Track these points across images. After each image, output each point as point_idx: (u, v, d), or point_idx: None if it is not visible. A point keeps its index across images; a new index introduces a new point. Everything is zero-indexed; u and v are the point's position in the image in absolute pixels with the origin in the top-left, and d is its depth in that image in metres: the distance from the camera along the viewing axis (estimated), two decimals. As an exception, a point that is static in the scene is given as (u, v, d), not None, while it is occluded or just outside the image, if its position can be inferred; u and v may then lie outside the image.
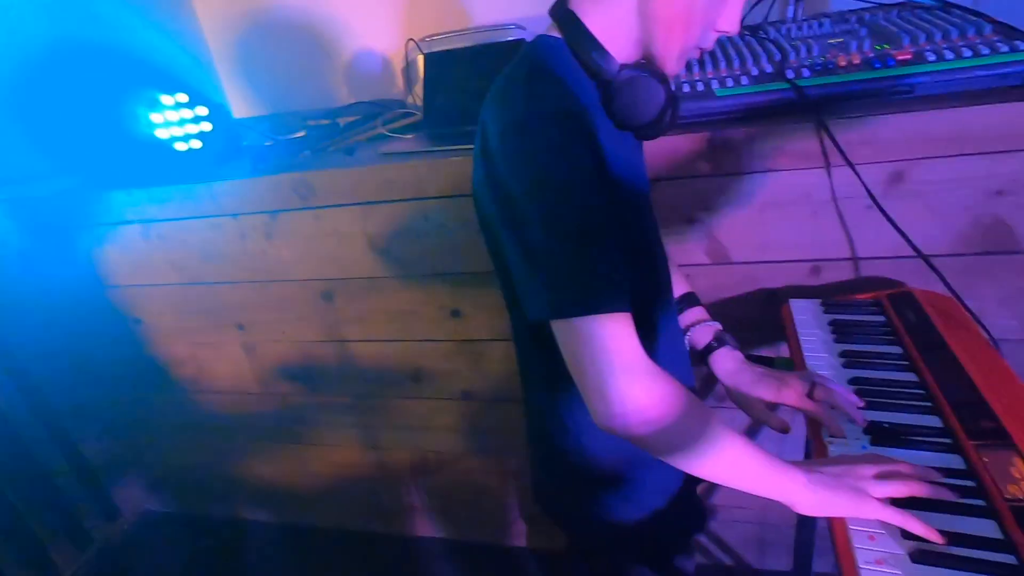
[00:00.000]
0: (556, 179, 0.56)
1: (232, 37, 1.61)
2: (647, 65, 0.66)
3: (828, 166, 1.01)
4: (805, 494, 0.61)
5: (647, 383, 0.55)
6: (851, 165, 0.99)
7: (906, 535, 0.58)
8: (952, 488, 0.62)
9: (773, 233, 1.09)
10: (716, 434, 0.60)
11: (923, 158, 0.98)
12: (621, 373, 0.54)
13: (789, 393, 0.78)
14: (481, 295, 1.29)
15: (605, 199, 0.57)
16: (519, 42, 1.33)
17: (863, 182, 0.99)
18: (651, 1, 0.62)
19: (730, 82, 1.03)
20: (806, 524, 1.16)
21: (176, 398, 1.69)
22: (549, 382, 0.74)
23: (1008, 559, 0.55)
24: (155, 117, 1.35)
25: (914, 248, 1.00)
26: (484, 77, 1.27)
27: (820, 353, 0.90)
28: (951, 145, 0.96)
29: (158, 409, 1.74)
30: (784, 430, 0.80)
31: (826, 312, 1.00)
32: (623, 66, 0.65)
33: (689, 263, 1.15)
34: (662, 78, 0.65)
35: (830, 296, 1.06)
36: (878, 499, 0.60)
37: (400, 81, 1.57)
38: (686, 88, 1.05)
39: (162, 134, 1.37)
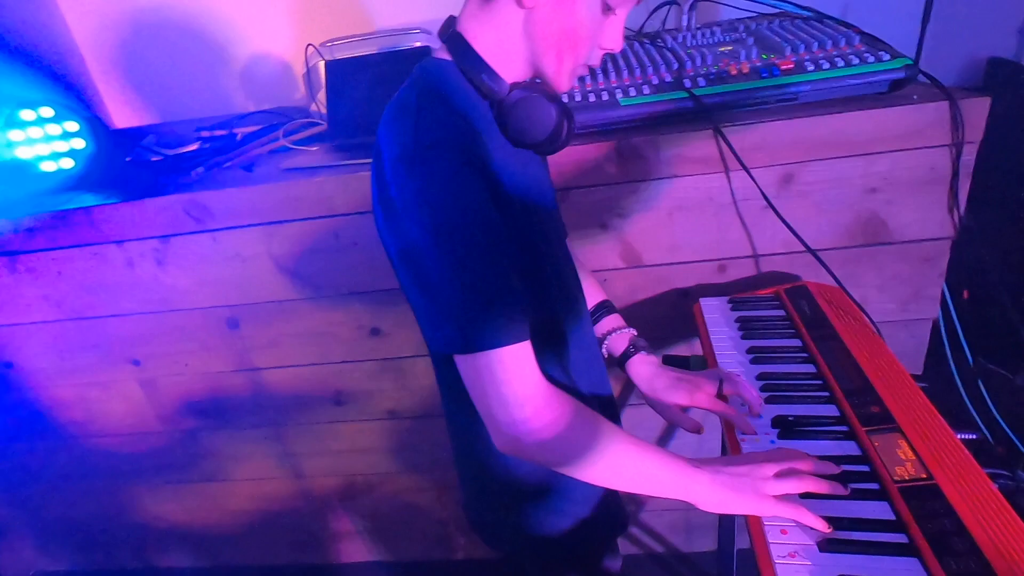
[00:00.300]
0: (447, 213, 0.56)
1: (109, 39, 1.46)
2: (538, 84, 0.66)
3: (727, 171, 1.07)
4: (707, 494, 0.64)
5: (538, 408, 0.59)
6: (747, 169, 1.04)
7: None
8: (846, 479, 0.67)
9: (681, 235, 1.14)
10: (613, 445, 0.63)
11: (808, 161, 1.06)
12: (514, 403, 0.58)
13: (701, 396, 0.81)
14: (402, 312, 1.25)
15: (498, 228, 0.58)
16: (424, 50, 1.30)
17: (758, 185, 1.06)
18: (536, 23, 0.62)
19: (633, 91, 1.06)
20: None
21: (64, 445, 1.51)
22: (468, 401, 0.73)
23: (900, 538, 0.60)
24: (14, 135, 1.20)
25: (804, 244, 1.08)
26: (390, 84, 1.23)
27: (730, 351, 0.95)
28: (831, 148, 1.04)
29: (44, 459, 1.55)
30: (698, 431, 0.84)
31: (733, 309, 1.06)
32: (513, 86, 0.65)
33: (604, 267, 1.18)
34: (552, 96, 0.66)
35: (735, 292, 1.12)
36: (775, 496, 0.63)
37: (302, 86, 1.49)
38: (591, 98, 1.07)
39: (24, 154, 1.21)
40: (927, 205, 1.08)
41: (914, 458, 0.67)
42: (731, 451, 0.76)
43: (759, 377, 0.87)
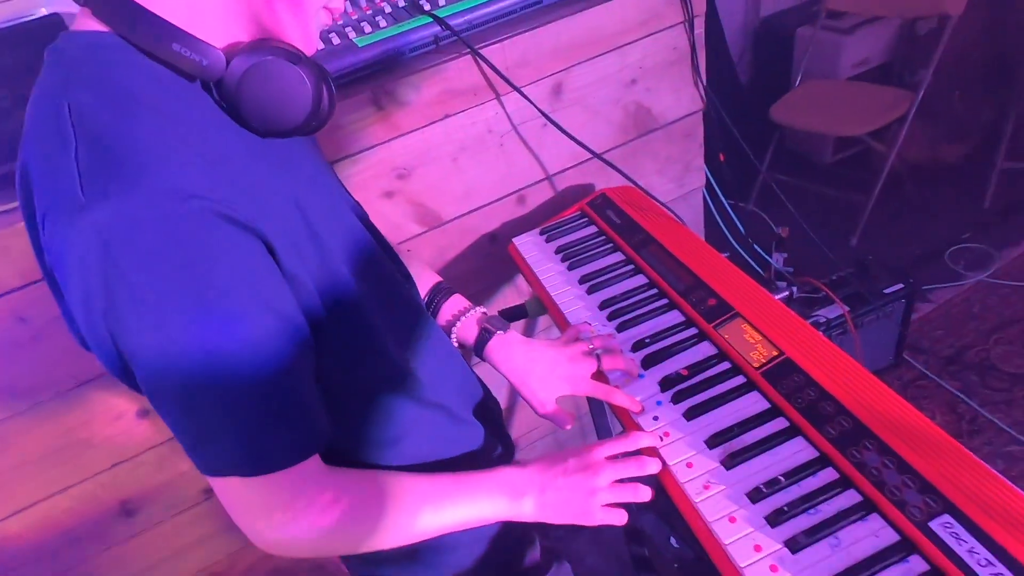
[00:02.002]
0: (169, 328, 0.38)
1: None
2: (266, 42, 0.46)
3: (498, 96, 0.97)
4: (532, 511, 0.58)
5: (300, 517, 0.48)
6: (518, 89, 0.96)
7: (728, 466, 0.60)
8: (714, 380, 0.68)
9: (472, 178, 1.03)
10: (406, 506, 0.53)
11: (571, 66, 1.00)
12: (279, 523, 0.47)
13: (583, 385, 0.70)
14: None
15: (250, 308, 0.41)
16: (52, 20, 0.91)
17: (532, 102, 0.98)
18: None
19: (367, 27, 0.88)
20: (602, 427, 1.24)
21: None
22: None
23: (781, 424, 0.62)
24: None
25: (590, 151, 1.06)
26: (16, 79, 0.85)
27: (563, 287, 0.90)
28: (588, 48, 1.00)
29: None
30: (570, 425, 0.72)
31: (548, 240, 1.00)
32: (229, 52, 0.44)
33: (404, 238, 1.03)
34: (292, 53, 0.46)
35: (542, 221, 1.07)
36: (602, 506, 0.58)
37: None
38: (321, 45, 0.85)
39: None
40: (678, 84, 1.12)
41: (760, 338, 0.70)
42: (627, 427, 0.69)
43: (601, 307, 0.84)
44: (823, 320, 1.37)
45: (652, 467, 0.60)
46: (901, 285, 1.44)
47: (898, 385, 1.57)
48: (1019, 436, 1.37)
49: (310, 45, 0.48)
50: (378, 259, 0.58)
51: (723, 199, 1.38)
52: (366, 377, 0.53)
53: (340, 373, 0.51)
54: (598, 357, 0.70)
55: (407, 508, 0.53)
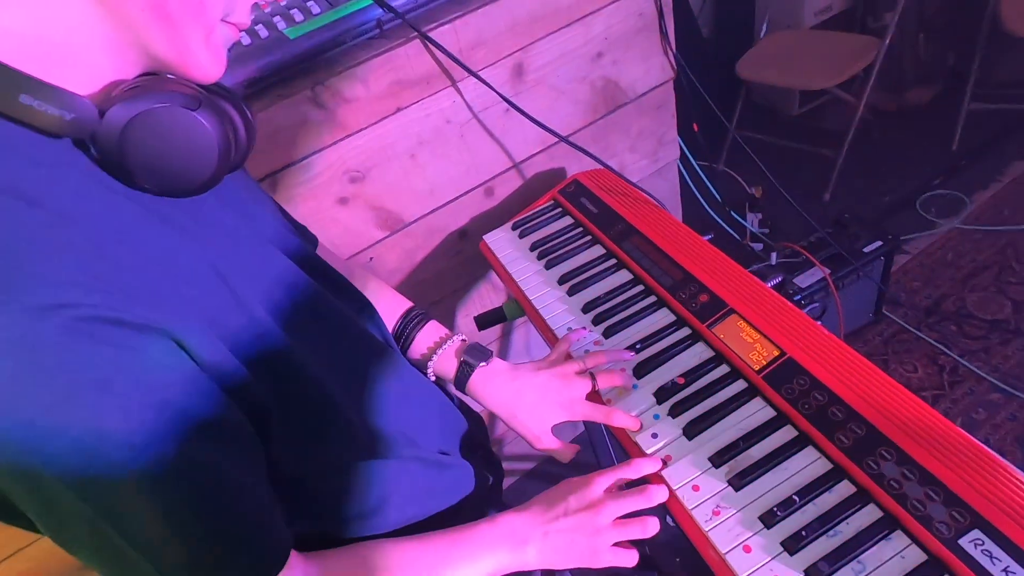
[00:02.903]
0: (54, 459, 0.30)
1: None
2: (150, 81, 0.37)
3: (454, 83, 0.88)
4: (536, 559, 0.52)
5: None
6: (474, 74, 0.87)
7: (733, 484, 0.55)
8: (712, 388, 0.63)
9: (434, 174, 0.95)
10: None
11: (531, 44, 0.92)
12: None
13: (579, 408, 0.64)
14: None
15: (153, 422, 0.33)
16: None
17: (491, 87, 0.89)
18: None
19: (298, 15, 0.77)
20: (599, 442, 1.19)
21: None
22: None
23: (790, 433, 0.58)
24: None
25: (556, 135, 0.98)
26: None
27: (541, 288, 0.84)
28: (546, 23, 0.91)
29: None
30: (571, 457, 0.66)
31: (521, 236, 0.93)
32: (106, 99, 0.35)
33: (367, 245, 0.94)
34: (185, 96, 0.37)
35: (513, 214, 1.00)
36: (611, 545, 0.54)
37: None
38: (246, 41, 0.75)
39: None
40: (647, 53, 1.04)
41: (759, 336, 0.65)
42: (630, 454, 0.63)
43: (584, 309, 0.78)
44: (804, 287, 1.35)
45: (659, 496, 0.55)
46: (880, 243, 1.42)
47: (879, 341, 1.57)
48: (999, 384, 1.38)
49: (213, 69, 0.39)
50: (323, 306, 0.50)
51: (699, 169, 1.32)
52: (331, 451, 0.47)
53: (299, 456, 0.44)
54: (592, 376, 0.65)
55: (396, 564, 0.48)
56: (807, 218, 1.68)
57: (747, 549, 0.51)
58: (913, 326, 1.57)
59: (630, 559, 0.54)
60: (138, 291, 0.32)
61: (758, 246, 1.79)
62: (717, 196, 1.49)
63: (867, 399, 0.56)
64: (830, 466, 0.54)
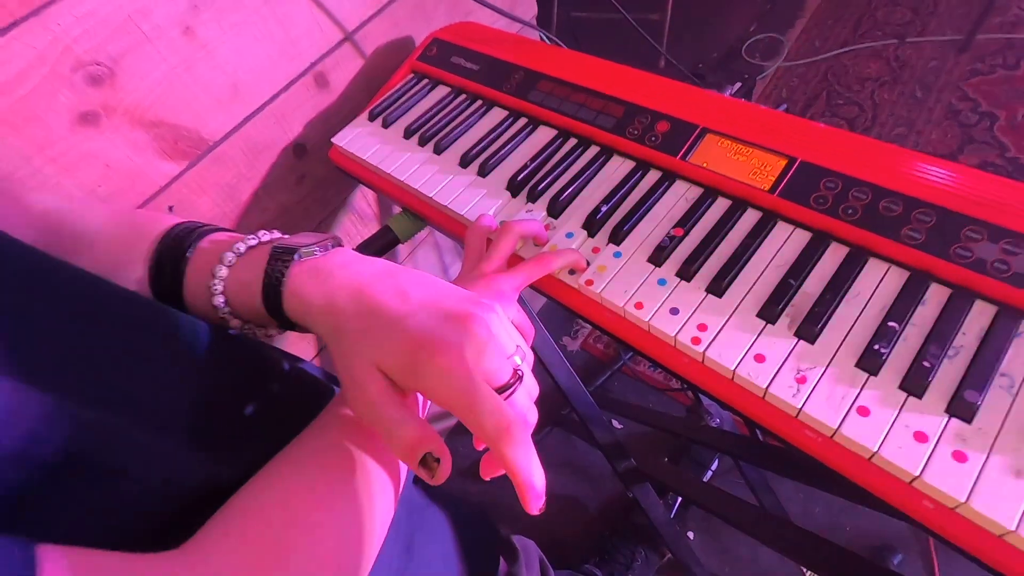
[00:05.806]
0: None
1: None
2: None
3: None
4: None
5: None
6: None
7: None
8: (722, 228, 0.47)
9: (230, 58, 0.63)
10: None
11: None
12: None
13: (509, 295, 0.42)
14: None
15: None
16: None
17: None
18: None
19: None
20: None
21: None
22: None
23: (840, 253, 0.43)
24: None
25: (392, -16, 0.71)
26: None
27: (443, 179, 0.60)
28: None
29: None
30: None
31: (385, 125, 0.68)
32: None
33: (158, 189, 0.62)
34: None
35: (363, 105, 0.73)
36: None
37: None
38: None
39: None
40: None
41: (752, 150, 0.50)
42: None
43: (510, 187, 0.56)
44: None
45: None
46: (740, 84, 1.38)
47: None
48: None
49: None
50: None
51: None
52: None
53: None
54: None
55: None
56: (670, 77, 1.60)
57: (863, 412, 0.36)
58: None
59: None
60: None
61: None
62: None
63: (914, 181, 0.43)
64: (907, 274, 0.41)
